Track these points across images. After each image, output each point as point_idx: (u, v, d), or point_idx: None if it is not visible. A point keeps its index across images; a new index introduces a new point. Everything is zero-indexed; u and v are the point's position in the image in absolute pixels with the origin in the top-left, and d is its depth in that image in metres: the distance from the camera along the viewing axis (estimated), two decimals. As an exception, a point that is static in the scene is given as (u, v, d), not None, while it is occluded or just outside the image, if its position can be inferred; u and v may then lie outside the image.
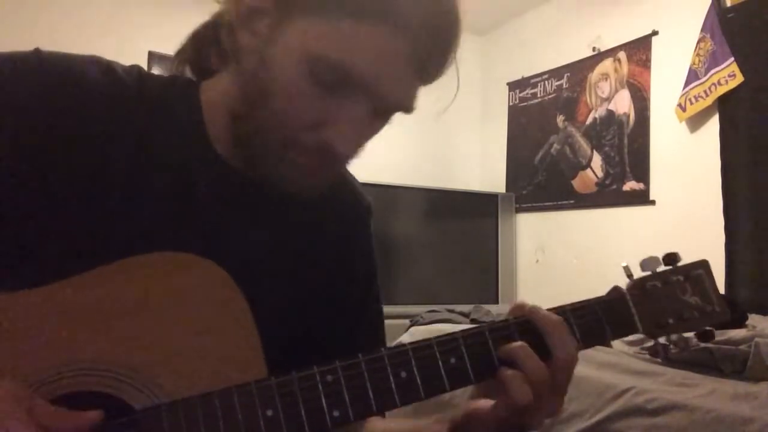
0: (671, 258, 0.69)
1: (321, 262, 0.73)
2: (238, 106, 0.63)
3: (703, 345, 0.66)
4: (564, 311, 0.64)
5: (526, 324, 0.61)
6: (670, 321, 0.67)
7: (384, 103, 0.61)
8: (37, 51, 0.62)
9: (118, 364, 0.53)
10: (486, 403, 0.62)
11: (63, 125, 0.60)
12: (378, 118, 0.63)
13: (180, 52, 0.73)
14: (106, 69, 0.64)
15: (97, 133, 0.61)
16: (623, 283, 0.70)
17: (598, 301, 0.66)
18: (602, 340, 0.64)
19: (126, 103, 0.63)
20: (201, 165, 0.65)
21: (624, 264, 0.68)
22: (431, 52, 0.61)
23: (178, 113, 0.66)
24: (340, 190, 0.76)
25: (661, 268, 0.69)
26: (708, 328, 0.67)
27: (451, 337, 0.59)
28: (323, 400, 0.54)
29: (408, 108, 0.63)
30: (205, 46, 0.70)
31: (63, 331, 0.53)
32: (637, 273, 0.70)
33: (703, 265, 0.70)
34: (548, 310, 0.63)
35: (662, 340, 0.67)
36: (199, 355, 0.55)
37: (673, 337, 0.67)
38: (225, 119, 0.65)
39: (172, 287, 0.56)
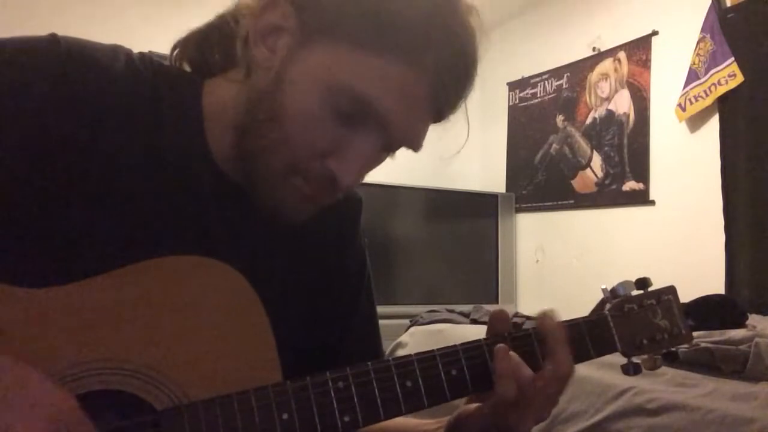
0: (642, 282, 0.74)
1: (315, 261, 0.74)
2: (244, 119, 0.62)
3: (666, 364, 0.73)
4: None
5: (518, 338, 0.66)
6: (644, 342, 0.72)
7: (396, 140, 0.63)
8: (54, 36, 0.59)
9: (139, 364, 0.54)
10: (473, 406, 0.67)
11: (86, 117, 0.58)
12: (384, 151, 0.64)
13: (181, 49, 0.70)
14: (126, 59, 0.62)
15: (116, 127, 0.59)
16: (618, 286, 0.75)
17: (583, 320, 0.70)
18: (586, 357, 0.69)
19: (143, 99, 0.62)
20: (200, 174, 0.64)
21: (603, 286, 0.74)
22: (449, 99, 0.63)
23: (183, 116, 0.64)
24: None
25: (634, 291, 0.75)
26: (673, 349, 0.73)
27: (453, 349, 0.63)
28: (335, 406, 0.56)
29: (417, 147, 0.65)
30: (209, 47, 0.68)
31: (85, 329, 0.53)
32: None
33: (671, 290, 0.76)
34: None
35: (634, 359, 0.72)
36: (218, 356, 0.56)
37: (643, 356, 0.72)
38: (228, 131, 0.63)
39: (191, 290, 0.57)
